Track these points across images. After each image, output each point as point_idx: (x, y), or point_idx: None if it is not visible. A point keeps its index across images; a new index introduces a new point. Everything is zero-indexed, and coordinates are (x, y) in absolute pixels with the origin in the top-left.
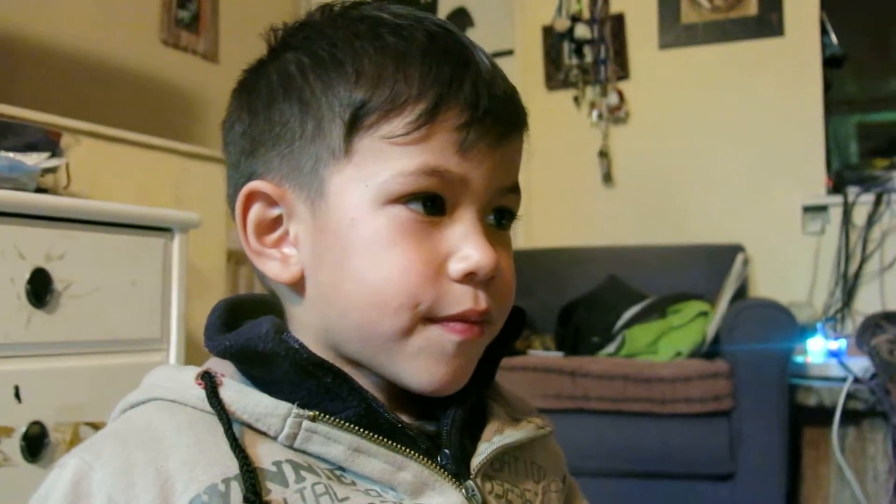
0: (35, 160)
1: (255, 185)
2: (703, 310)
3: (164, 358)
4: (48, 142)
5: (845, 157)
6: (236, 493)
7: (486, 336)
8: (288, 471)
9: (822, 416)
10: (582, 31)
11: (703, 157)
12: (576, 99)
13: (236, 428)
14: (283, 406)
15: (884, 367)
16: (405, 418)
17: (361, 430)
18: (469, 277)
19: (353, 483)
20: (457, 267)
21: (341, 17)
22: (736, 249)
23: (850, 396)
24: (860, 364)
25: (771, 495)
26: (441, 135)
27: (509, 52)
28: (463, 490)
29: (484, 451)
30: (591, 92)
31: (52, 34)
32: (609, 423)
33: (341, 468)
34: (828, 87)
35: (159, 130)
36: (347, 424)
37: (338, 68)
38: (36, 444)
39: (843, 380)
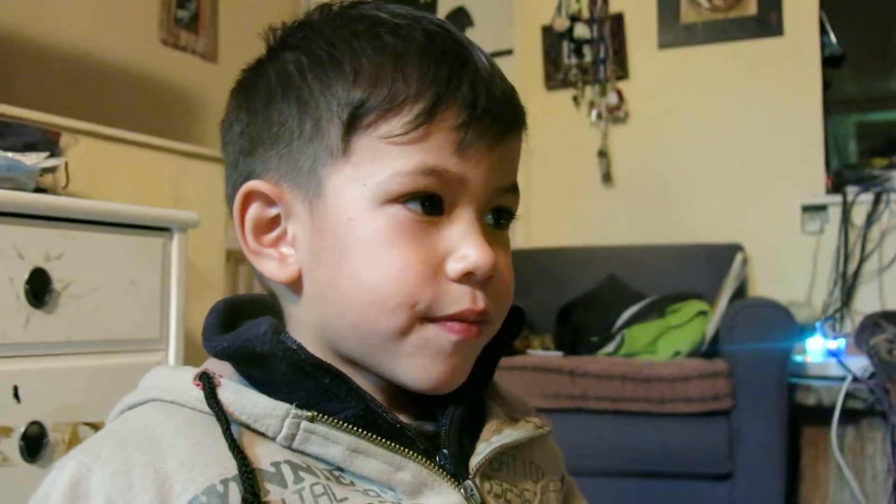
0: (34, 160)
1: (253, 184)
2: (702, 309)
3: (163, 358)
4: (47, 141)
5: (844, 157)
6: (235, 494)
7: (485, 336)
8: (286, 471)
9: (820, 415)
10: (581, 30)
11: (703, 156)
12: (575, 98)
13: (234, 429)
14: (281, 407)
15: (882, 367)
16: (404, 418)
17: (360, 430)
18: (467, 277)
19: (352, 483)
20: (455, 266)
21: (340, 17)
22: (735, 249)
23: (848, 396)
24: (859, 363)
25: (770, 494)
26: (439, 134)
27: (508, 52)
28: (461, 490)
29: (482, 450)
30: (590, 91)
31: (50, 34)
32: (608, 423)
33: (340, 469)
34: (827, 86)
35: (158, 130)
36: (346, 425)
37: (336, 68)
38: (35, 444)
39: (842, 379)
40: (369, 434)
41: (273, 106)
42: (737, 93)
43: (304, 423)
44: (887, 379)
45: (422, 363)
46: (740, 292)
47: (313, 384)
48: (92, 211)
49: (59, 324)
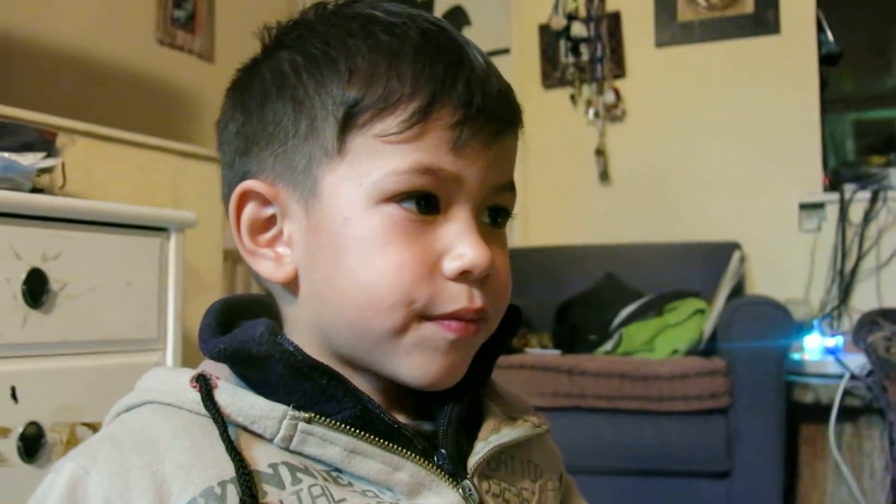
0: (31, 160)
1: (248, 184)
2: (699, 307)
3: (161, 358)
4: (44, 142)
5: (842, 155)
6: (232, 496)
7: (482, 334)
8: (284, 473)
9: (818, 412)
10: (578, 29)
11: (700, 154)
12: (572, 97)
13: (231, 430)
14: (278, 408)
15: (880, 364)
16: (401, 418)
17: (357, 431)
18: (464, 276)
19: (350, 484)
20: (451, 265)
21: (335, 16)
22: (732, 247)
23: (846, 393)
24: (857, 361)
25: (768, 492)
26: (435, 133)
27: (506, 51)
28: (460, 490)
29: (480, 450)
30: (587, 90)
31: (47, 34)
32: (606, 421)
33: (338, 469)
34: (824, 84)
35: (155, 130)
36: (343, 426)
37: (331, 67)
38: (33, 445)
39: (840, 377)
40: (367, 435)
41: (268, 105)
42: (734, 91)
43: (302, 425)
44: (885, 376)
45: (419, 360)
46: (738, 290)
47: (310, 385)
48: (89, 211)
49: (56, 324)
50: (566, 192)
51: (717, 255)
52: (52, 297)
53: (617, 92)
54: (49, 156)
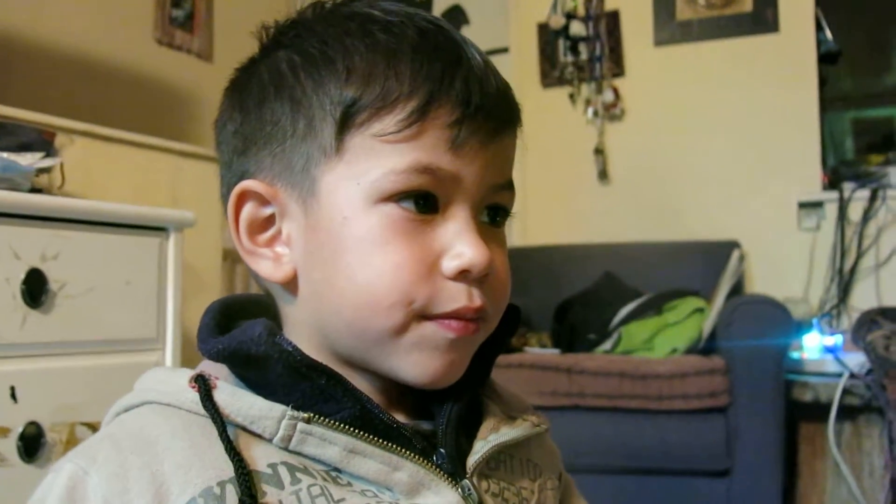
0: (29, 160)
1: (246, 184)
2: (699, 306)
3: (160, 357)
4: (42, 142)
5: (841, 153)
6: (232, 496)
7: (482, 333)
8: (283, 473)
9: (818, 411)
10: (577, 28)
11: (699, 153)
12: (571, 96)
13: (230, 431)
14: (277, 408)
15: (879, 363)
16: (400, 418)
17: (356, 431)
18: (463, 275)
19: (349, 484)
20: (450, 264)
21: (332, 15)
22: (732, 246)
23: (846, 392)
24: (856, 360)
25: (767, 491)
26: (433, 132)
27: (504, 50)
28: (459, 489)
29: (480, 449)
30: (586, 89)
31: (46, 34)
32: (605, 420)
33: (337, 469)
34: (823, 83)
35: (154, 130)
36: (342, 426)
37: (328, 66)
38: (32, 444)
39: (839, 375)
40: (366, 434)
41: (266, 105)
42: (733, 90)
43: (301, 425)
44: (884, 375)
45: (418, 359)
46: (737, 289)
47: (309, 385)
48: (88, 211)
49: (55, 324)
50: (565, 192)
51: (717, 254)
52: (51, 297)
53: (616, 91)
54: (48, 156)
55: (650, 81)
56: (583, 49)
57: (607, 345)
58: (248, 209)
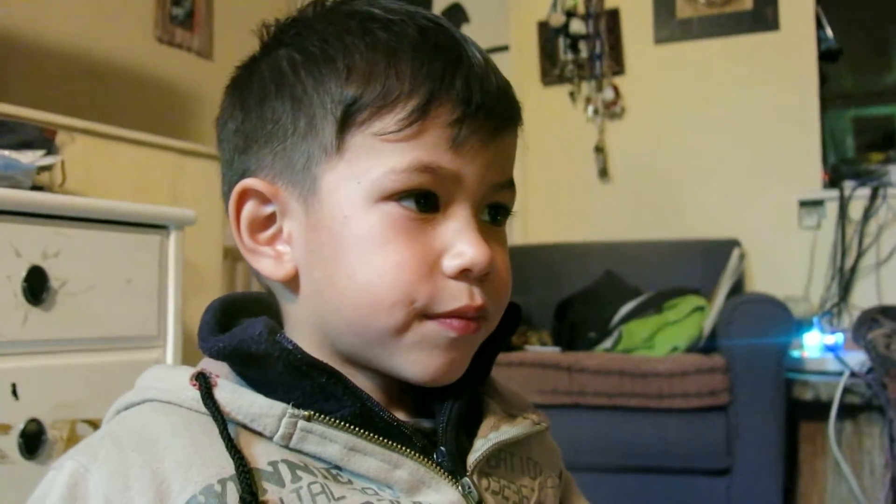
0: (30, 158)
1: (248, 182)
2: (699, 305)
3: (161, 355)
4: (43, 139)
5: (841, 152)
6: (232, 494)
7: (482, 332)
8: (284, 470)
9: (818, 410)
10: (577, 26)
11: (699, 151)
12: (571, 94)
13: (231, 428)
14: (278, 406)
15: (880, 362)
16: (401, 416)
17: (357, 428)
18: (464, 274)
19: (350, 482)
20: (451, 264)
21: (333, 13)
22: (732, 244)
23: (846, 391)
24: (857, 358)
25: (768, 490)
26: (433, 131)
27: (504, 48)
28: (459, 487)
29: (480, 447)
30: (586, 87)
31: (46, 32)
32: (605, 419)
33: (337, 467)
34: (823, 81)
35: (154, 127)
36: (343, 424)
37: (329, 64)
38: (33, 442)
39: (840, 374)
40: (366, 432)
41: (267, 103)
42: (733, 88)
43: (301, 423)
44: (885, 374)
45: (420, 357)
46: (737, 288)
47: (310, 384)
48: (89, 209)
49: (56, 321)
50: (565, 190)
51: (717, 253)
52: (52, 295)
53: (616, 89)
54: (49, 153)
55: (650, 79)
56: (583, 47)
57: (608, 343)
58: (250, 207)
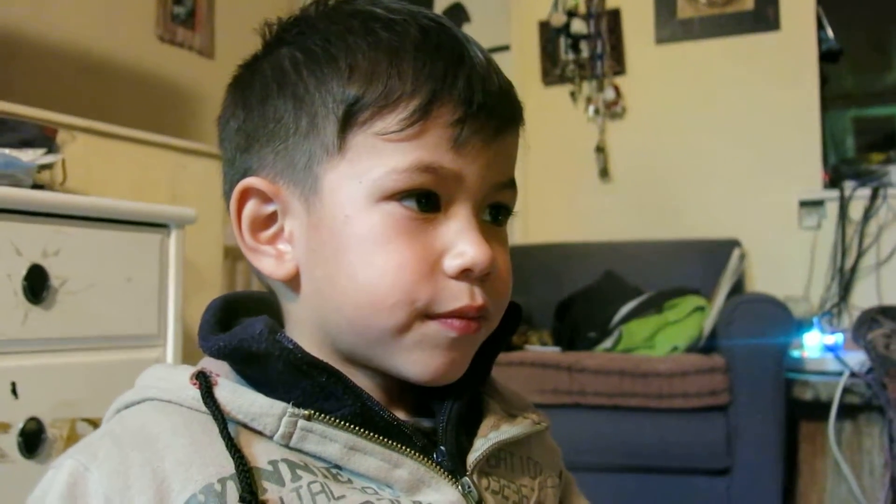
0: (31, 156)
1: (249, 181)
2: (699, 305)
3: (161, 354)
4: (44, 138)
5: (842, 152)
6: (232, 493)
7: (483, 332)
8: (284, 470)
9: (818, 410)
10: (578, 26)
11: (700, 151)
12: (572, 94)
13: (231, 428)
14: (278, 405)
15: (880, 362)
16: (401, 415)
17: (357, 428)
18: (465, 274)
19: (350, 481)
20: (452, 263)
21: (335, 12)
22: (732, 244)
23: (846, 391)
24: (856, 358)
25: (767, 490)
26: (435, 131)
27: (505, 48)
28: (459, 486)
29: (480, 447)
30: (587, 87)
31: (48, 31)
32: (606, 418)
33: (337, 466)
34: (824, 81)
35: (155, 126)
36: (343, 423)
37: (331, 64)
38: (33, 440)
39: (840, 374)
40: (366, 432)
41: (269, 102)
42: (734, 88)
43: (301, 422)
44: (884, 374)
45: (420, 357)
46: (738, 288)
47: (310, 383)
48: (89, 207)
49: (56, 320)
50: (566, 190)
51: (717, 253)
52: (52, 294)
53: (617, 89)
54: (49, 152)
55: (651, 79)
56: (584, 47)
57: (608, 343)
58: (251, 206)
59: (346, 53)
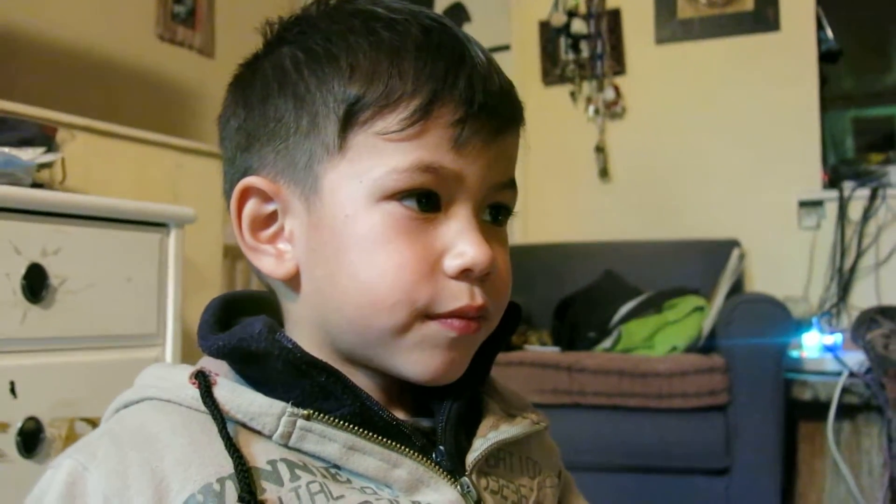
0: (31, 155)
1: (250, 180)
2: (699, 305)
3: (160, 353)
4: (44, 137)
5: (841, 152)
6: (231, 493)
7: (483, 331)
8: (283, 469)
9: (817, 410)
10: (578, 26)
11: (700, 152)
12: (572, 94)
13: (230, 427)
14: (277, 405)
15: (879, 362)
16: (400, 415)
17: (356, 428)
18: (465, 274)
19: (349, 481)
20: (452, 264)
21: (336, 11)
22: (732, 244)
23: (845, 391)
24: (855, 358)
25: (766, 489)
26: (436, 131)
27: (505, 48)
28: (458, 486)
29: (479, 447)
30: (587, 87)
31: (48, 29)
32: (605, 418)
33: (336, 466)
34: (824, 81)
35: (155, 125)
36: (342, 423)
37: (332, 63)
38: (31, 440)
39: (839, 374)
40: (365, 431)
41: (269, 101)
42: (734, 88)
43: (301, 422)
44: (883, 374)
45: (420, 357)
46: (737, 288)
47: (309, 382)
48: (89, 206)
49: (55, 319)
50: (566, 190)
51: (717, 253)
52: (51, 293)
53: (617, 89)
54: (49, 151)
55: (651, 80)
56: (584, 47)
57: (607, 343)
58: (251, 206)
59: (347, 53)
